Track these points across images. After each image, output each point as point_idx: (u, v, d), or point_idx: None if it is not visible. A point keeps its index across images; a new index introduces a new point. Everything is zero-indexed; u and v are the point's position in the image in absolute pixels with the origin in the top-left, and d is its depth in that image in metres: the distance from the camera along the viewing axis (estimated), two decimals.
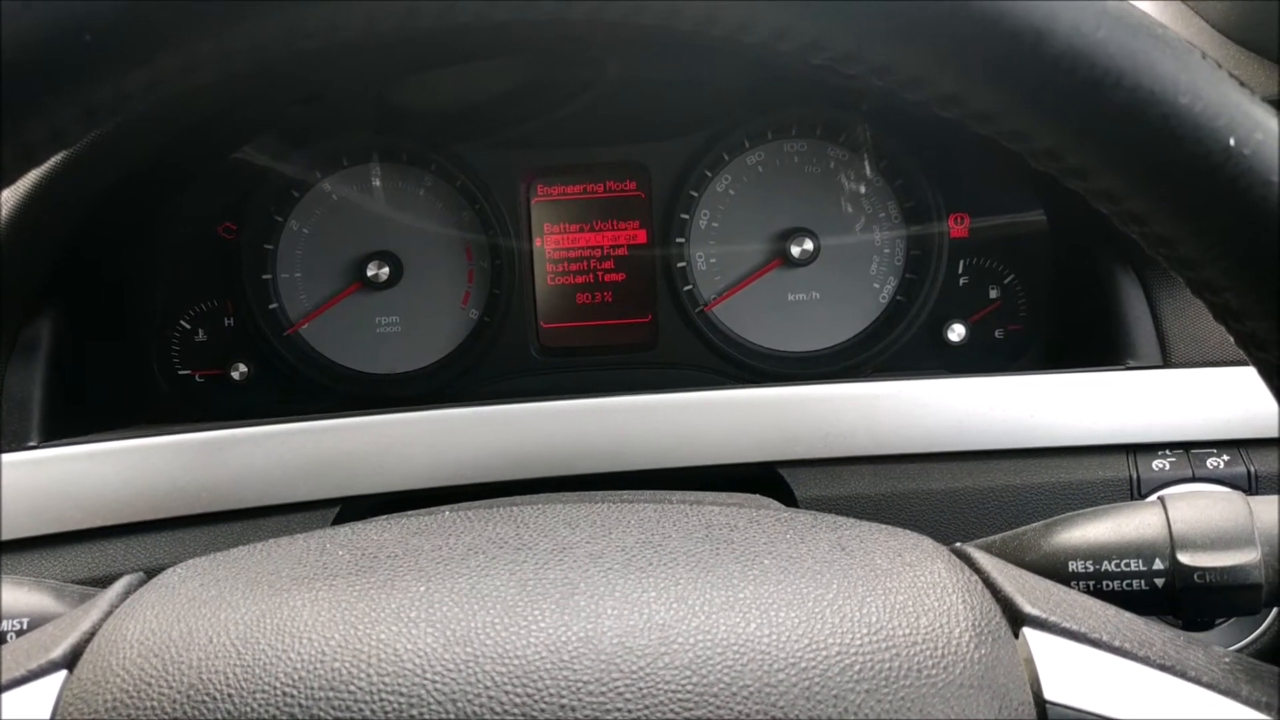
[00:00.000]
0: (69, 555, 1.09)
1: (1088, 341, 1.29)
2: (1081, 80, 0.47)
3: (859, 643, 0.54)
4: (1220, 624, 1.06)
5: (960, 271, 1.40)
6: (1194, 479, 1.11)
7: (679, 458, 1.13)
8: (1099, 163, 0.50)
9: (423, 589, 0.59)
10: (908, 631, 0.55)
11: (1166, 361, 1.19)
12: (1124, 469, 1.12)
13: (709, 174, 1.38)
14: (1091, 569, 0.74)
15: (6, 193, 1.10)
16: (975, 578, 0.61)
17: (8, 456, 1.11)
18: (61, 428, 1.18)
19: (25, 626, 0.76)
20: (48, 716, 0.55)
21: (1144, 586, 0.72)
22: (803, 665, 0.53)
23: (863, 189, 1.39)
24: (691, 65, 1.34)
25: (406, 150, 1.37)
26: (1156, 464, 1.12)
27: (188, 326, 1.39)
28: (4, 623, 0.77)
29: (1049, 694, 0.54)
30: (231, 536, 1.10)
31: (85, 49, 0.46)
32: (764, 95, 1.37)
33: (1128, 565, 0.73)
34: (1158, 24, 0.48)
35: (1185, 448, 1.13)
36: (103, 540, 1.10)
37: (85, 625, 0.60)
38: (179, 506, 1.11)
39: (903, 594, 0.58)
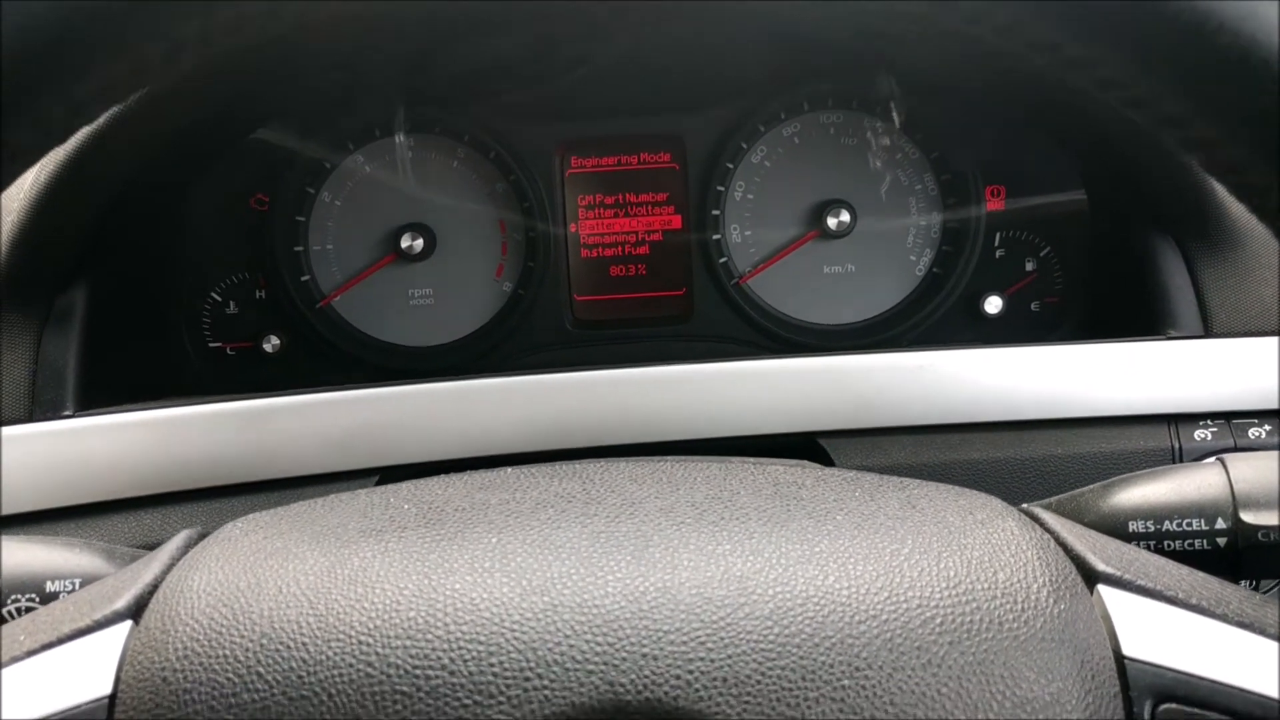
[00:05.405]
0: (104, 525, 1.09)
1: (1125, 313, 1.29)
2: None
3: (939, 596, 0.54)
4: (1271, 588, 1.05)
5: (996, 244, 1.39)
6: (1235, 449, 1.10)
7: (719, 428, 1.13)
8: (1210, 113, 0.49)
9: (494, 540, 0.58)
10: (986, 586, 0.55)
11: (1208, 331, 1.18)
12: (1165, 439, 1.11)
13: (744, 146, 1.37)
14: (1152, 529, 0.73)
15: (43, 161, 1.10)
16: (1047, 536, 0.61)
17: (42, 426, 1.10)
18: (96, 398, 1.18)
19: (76, 587, 0.76)
20: (114, 666, 0.54)
21: (1206, 546, 0.72)
22: (884, 617, 0.53)
23: (899, 161, 1.38)
24: (726, 36, 1.33)
25: (439, 122, 1.37)
26: (1199, 434, 1.11)
27: (219, 299, 1.38)
28: (55, 583, 0.76)
29: (1127, 650, 0.54)
30: (269, 506, 1.09)
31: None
32: (799, 66, 1.36)
33: (1189, 525, 0.73)
34: None
35: (1227, 418, 1.12)
36: (139, 510, 1.10)
37: (147, 577, 0.60)
38: (216, 476, 1.10)
39: (978, 550, 0.58)
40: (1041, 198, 1.39)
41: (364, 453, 1.11)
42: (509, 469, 0.71)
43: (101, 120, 1.09)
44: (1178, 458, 1.10)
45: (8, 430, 1.09)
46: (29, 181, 1.11)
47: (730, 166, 1.37)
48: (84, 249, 1.17)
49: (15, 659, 0.55)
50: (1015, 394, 1.12)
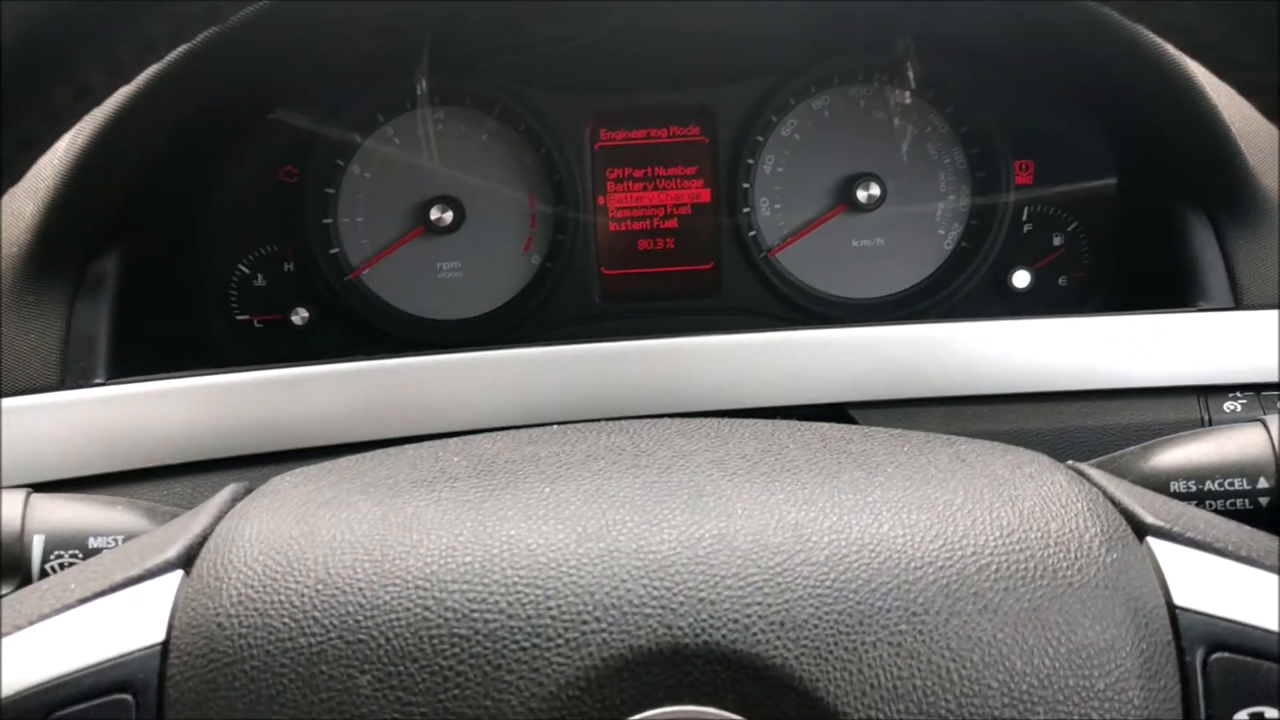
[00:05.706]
0: (135, 493, 1.08)
1: (1153, 288, 1.28)
2: None
3: (993, 544, 0.54)
4: None
5: (1024, 219, 1.39)
6: None
7: (749, 398, 1.13)
8: None
9: (548, 490, 0.59)
10: (1039, 535, 0.55)
11: (1238, 303, 1.18)
12: (1195, 410, 1.11)
13: (774, 119, 1.37)
14: (1194, 489, 0.74)
15: (76, 129, 1.10)
16: (1095, 490, 0.61)
17: (74, 393, 1.11)
18: (127, 367, 1.18)
19: (119, 544, 0.76)
20: (167, 613, 0.55)
21: (1248, 505, 0.73)
22: (940, 564, 0.53)
23: (928, 135, 1.38)
24: (756, 7, 1.32)
25: (470, 94, 1.36)
26: (1228, 406, 1.11)
27: (247, 271, 1.38)
28: (98, 539, 0.77)
29: (1178, 600, 0.54)
30: None
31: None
32: (830, 39, 1.36)
33: (1231, 484, 0.73)
34: None
35: (1256, 390, 1.12)
36: (169, 479, 1.10)
37: (196, 529, 0.60)
38: (247, 444, 1.10)
39: (1029, 501, 0.58)
40: (1070, 172, 1.39)
41: (397, 422, 1.11)
42: (554, 426, 0.72)
43: (135, 89, 1.10)
44: None
45: (39, 398, 1.09)
46: (61, 150, 1.11)
47: (760, 140, 1.37)
48: (115, 218, 1.18)
49: (66, 606, 0.56)
50: (1045, 366, 1.13)
